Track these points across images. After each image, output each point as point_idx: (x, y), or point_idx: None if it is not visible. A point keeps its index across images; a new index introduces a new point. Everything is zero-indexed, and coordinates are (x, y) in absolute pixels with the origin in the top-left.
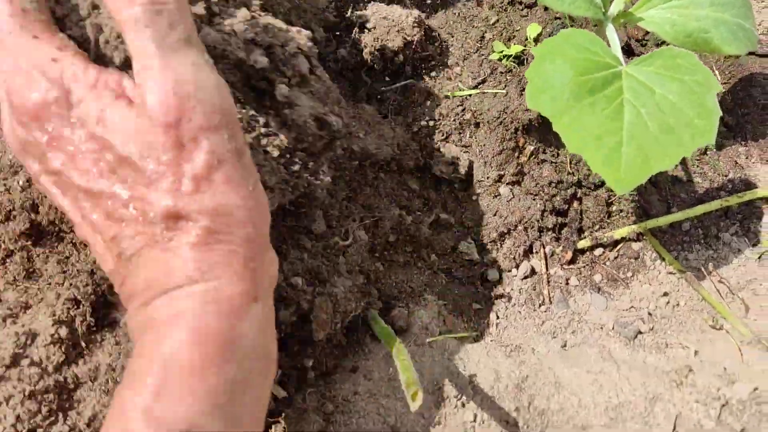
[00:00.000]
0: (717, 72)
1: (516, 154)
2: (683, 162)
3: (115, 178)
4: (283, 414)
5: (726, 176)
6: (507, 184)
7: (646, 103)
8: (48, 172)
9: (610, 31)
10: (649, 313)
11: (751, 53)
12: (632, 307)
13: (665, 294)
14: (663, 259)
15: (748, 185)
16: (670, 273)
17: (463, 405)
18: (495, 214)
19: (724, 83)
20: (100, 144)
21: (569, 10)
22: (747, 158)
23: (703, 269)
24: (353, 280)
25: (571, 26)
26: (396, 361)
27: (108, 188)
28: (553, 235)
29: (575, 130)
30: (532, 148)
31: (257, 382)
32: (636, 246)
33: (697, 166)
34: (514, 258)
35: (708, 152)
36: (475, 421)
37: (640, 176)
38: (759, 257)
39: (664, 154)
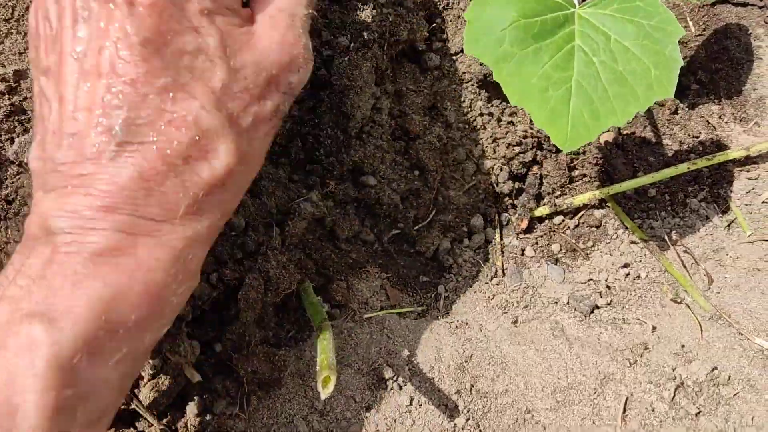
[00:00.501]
0: (691, 23)
1: (468, 112)
2: (652, 122)
3: None
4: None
5: (697, 137)
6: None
7: (600, 50)
8: None
9: None
10: (608, 286)
11: (726, 1)
12: (590, 279)
13: (626, 265)
14: (626, 228)
15: (720, 147)
16: (633, 242)
17: (400, 387)
18: None
19: (699, 35)
20: None
21: None
22: (720, 117)
23: (667, 238)
24: (288, 255)
25: None
26: (316, 341)
27: None
28: (510, 201)
29: (518, 81)
30: (481, 103)
31: None
32: (598, 213)
33: (667, 126)
34: (466, 226)
35: (679, 111)
36: (411, 404)
37: (589, 133)
38: (728, 225)
39: (617, 108)
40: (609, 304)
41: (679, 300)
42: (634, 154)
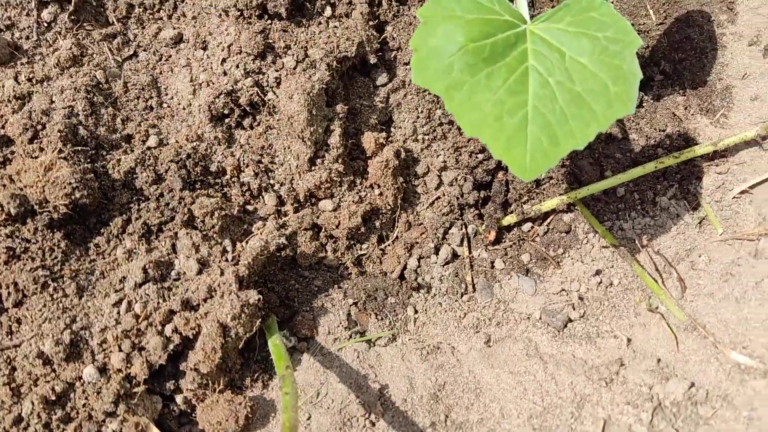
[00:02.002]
0: (651, 11)
1: (427, 123)
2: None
3: None
4: None
5: (664, 131)
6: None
7: (555, 69)
8: None
9: None
10: (580, 297)
11: None
12: (563, 290)
13: (598, 272)
14: (596, 231)
15: (688, 140)
16: (604, 247)
17: (373, 424)
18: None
19: (660, 23)
20: None
21: None
22: (686, 109)
23: (638, 240)
24: (246, 297)
25: None
26: (281, 393)
27: None
28: (476, 211)
29: (470, 110)
30: (440, 112)
31: None
32: (567, 218)
33: (633, 121)
34: (432, 241)
35: (644, 104)
36: None
37: (549, 160)
38: (699, 223)
39: (576, 130)
40: (582, 316)
41: (653, 308)
42: (601, 152)
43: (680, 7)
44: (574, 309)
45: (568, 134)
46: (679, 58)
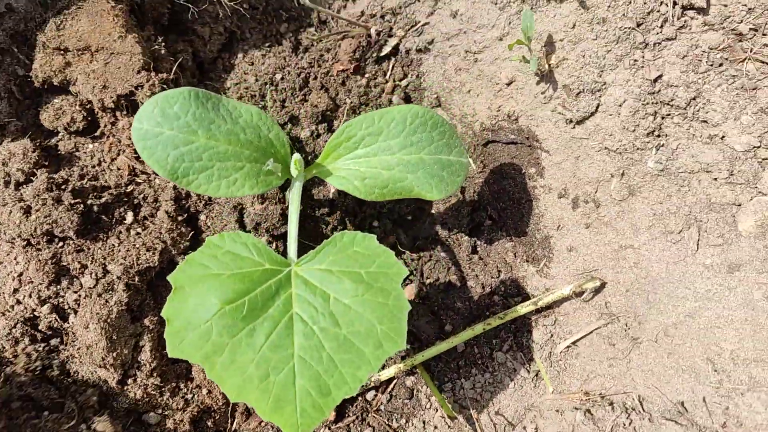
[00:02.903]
0: (471, 159)
1: None
2: (454, 262)
3: None
4: None
5: (497, 277)
6: None
7: (319, 315)
8: None
9: (294, 202)
10: None
11: (494, 141)
12: None
13: None
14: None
15: (518, 288)
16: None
17: None
18: None
19: (480, 172)
20: None
21: (231, 194)
22: (515, 256)
23: (480, 400)
24: None
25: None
26: None
27: None
28: None
29: (233, 374)
30: None
31: None
32: (410, 381)
33: (469, 267)
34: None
35: (478, 249)
36: None
37: (321, 412)
38: (535, 376)
39: (347, 376)
40: None
41: None
42: (440, 303)
43: (494, 158)
44: None
45: (339, 381)
46: (501, 207)
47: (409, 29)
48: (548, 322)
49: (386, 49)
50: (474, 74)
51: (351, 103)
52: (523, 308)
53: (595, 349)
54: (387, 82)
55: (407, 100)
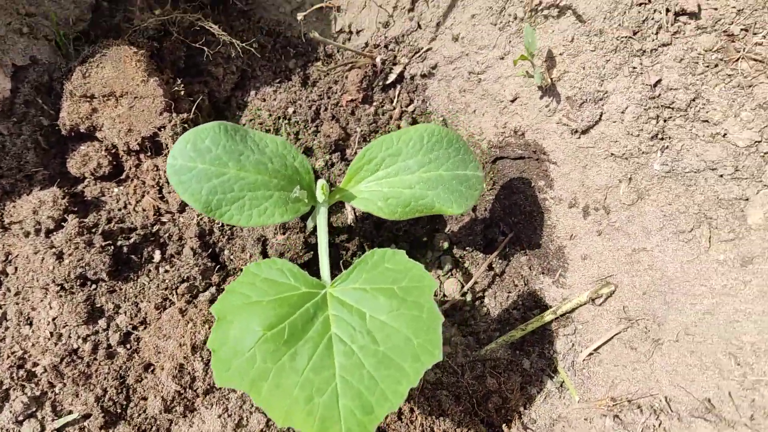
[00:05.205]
0: (485, 175)
1: None
2: (473, 280)
3: None
4: None
5: (514, 291)
6: None
7: (357, 334)
8: None
9: (321, 227)
10: None
11: (502, 157)
12: None
13: None
14: None
15: (536, 301)
16: None
17: None
18: None
19: (491, 189)
20: None
21: (262, 222)
22: (530, 269)
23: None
24: None
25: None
26: None
27: None
28: None
29: (279, 398)
30: None
31: None
32: None
33: (485, 283)
34: None
35: (495, 266)
36: None
37: (366, 430)
38: (560, 386)
39: (388, 392)
40: None
41: None
42: (460, 319)
43: (503, 174)
44: None
45: (381, 399)
46: (514, 222)
47: (412, 56)
48: (568, 331)
49: (392, 77)
50: (478, 94)
51: (361, 131)
52: (545, 317)
53: (617, 355)
54: (394, 108)
55: (414, 124)
